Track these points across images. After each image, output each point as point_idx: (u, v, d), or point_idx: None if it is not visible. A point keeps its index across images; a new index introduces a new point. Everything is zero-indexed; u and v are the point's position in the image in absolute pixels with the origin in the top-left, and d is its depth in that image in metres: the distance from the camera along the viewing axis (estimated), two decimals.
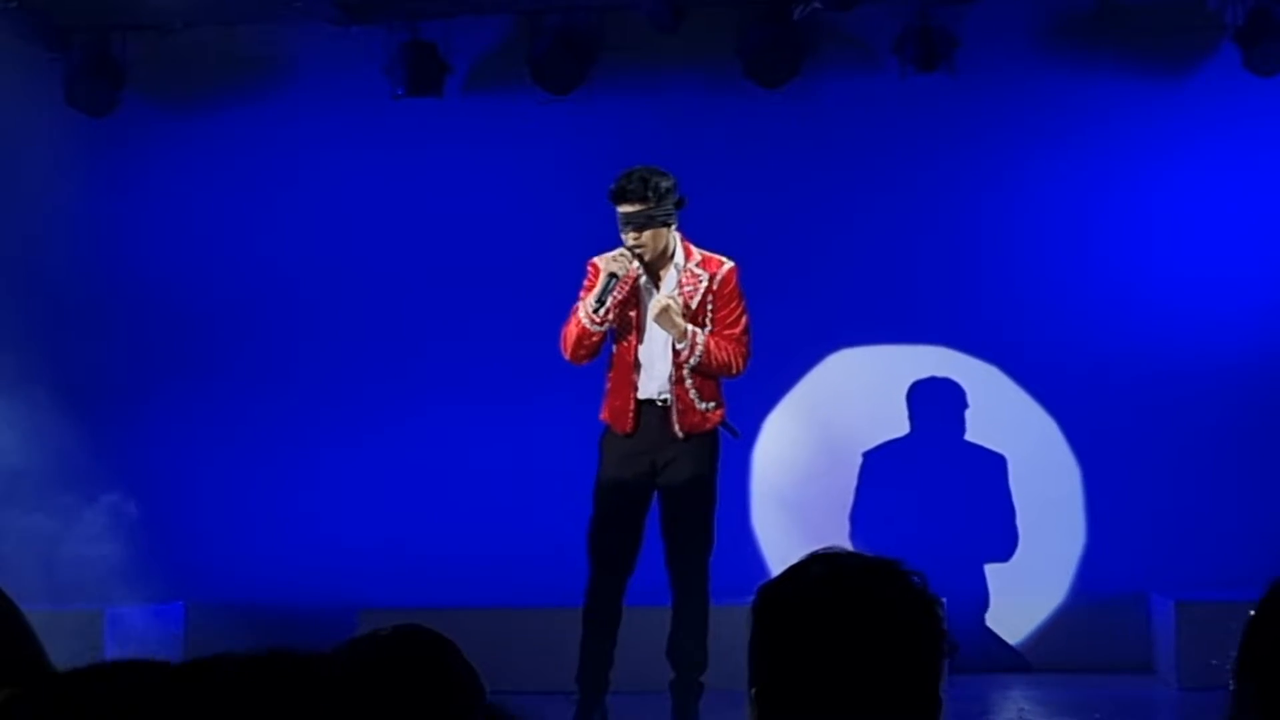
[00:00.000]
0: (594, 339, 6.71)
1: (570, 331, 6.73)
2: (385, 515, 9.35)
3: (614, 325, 6.73)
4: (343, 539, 9.32)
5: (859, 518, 8.98)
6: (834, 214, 9.23)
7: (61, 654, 2.51)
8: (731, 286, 6.78)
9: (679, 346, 6.67)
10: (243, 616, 9.29)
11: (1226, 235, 9.05)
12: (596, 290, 6.62)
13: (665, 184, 6.67)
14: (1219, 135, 9.05)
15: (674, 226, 6.74)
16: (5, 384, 9.60)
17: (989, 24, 9.12)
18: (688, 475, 6.75)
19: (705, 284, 6.74)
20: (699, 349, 6.66)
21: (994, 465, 9.09)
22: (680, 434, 6.73)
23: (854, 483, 9.10)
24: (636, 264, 6.67)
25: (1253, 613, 2.03)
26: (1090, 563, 9.00)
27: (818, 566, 2.17)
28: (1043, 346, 9.09)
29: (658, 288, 6.75)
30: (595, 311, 6.61)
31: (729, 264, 6.81)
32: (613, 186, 6.70)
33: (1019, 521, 9.03)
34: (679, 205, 6.74)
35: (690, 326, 6.66)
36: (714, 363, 6.70)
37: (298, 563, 9.31)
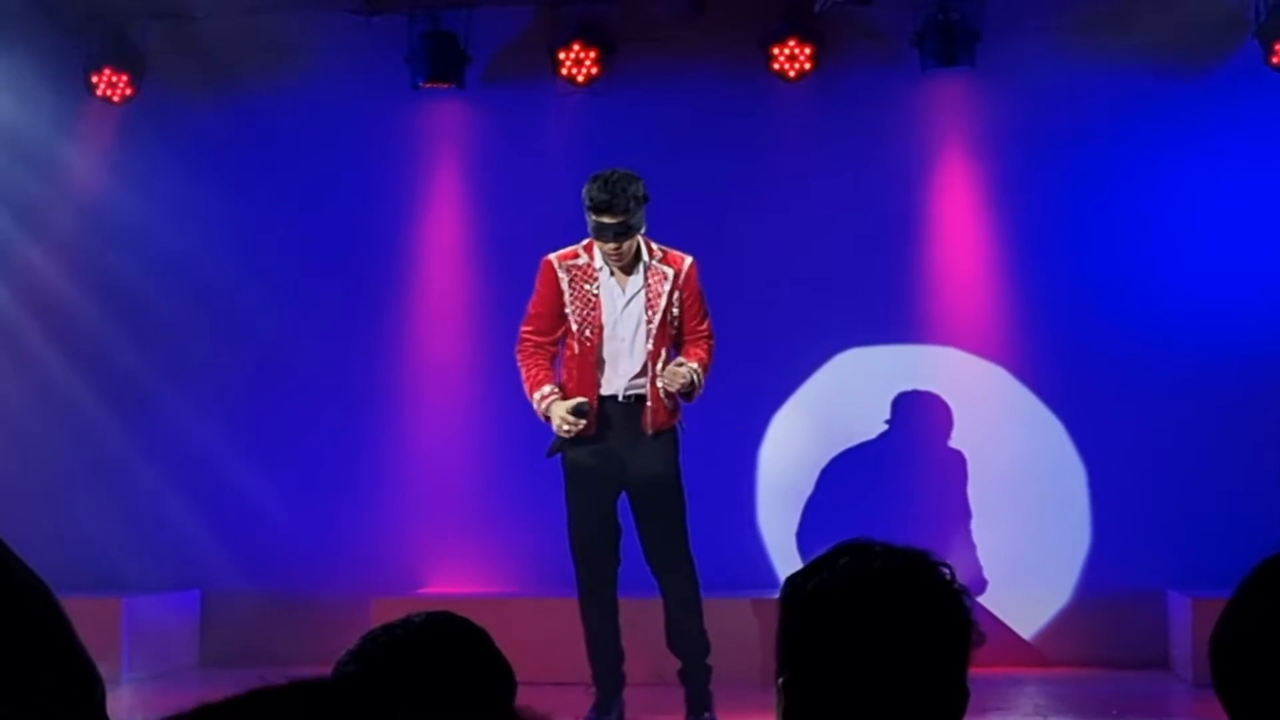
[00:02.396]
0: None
1: (524, 384, 6.87)
2: (400, 504, 9.36)
3: (572, 323, 6.78)
4: (357, 528, 9.33)
5: (866, 515, 8.94)
6: (850, 208, 9.21)
7: None
8: (695, 282, 6.83)
9: (693, 394, 6.75)
10: (258, 605, 9.31)
11: (1244, 232, 9.02)
12: (554, 416, 6.70)
13: (639, 192, 6.66)
14: (1241, 132, 9.01)
15: (641, 233, 6.75)
16: (21, 370, 9.63)
17: (1010, 19, 9.09)
18: (657, 473, 6.77)
19: (670, 280, 6.77)
20: (701, 379, 6.74)
21: (1001, 463, 9.06)
22: (650, 432, 6.77)
23: (861, 481, 9.08)
24: (584, 411, 6.74)
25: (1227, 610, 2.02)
26: (1106, 560, 8.98)
27: (846, 557, 2.17)
28: (1051, 346, 9.07)
29: (623, 288, 6.77)
30: (553, 451, 6.83)
31: (690, 259, 6.84)
32: (595, 197, 6.61)
33: (1028, 518, 9.00)
34: (645, 200, 6.77)
35: (688, 369, 6.69)
36: (705, 374, 6.80)
37: (312, 551, 9.33)
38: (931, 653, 2.08)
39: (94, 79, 9.38)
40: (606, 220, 6.61)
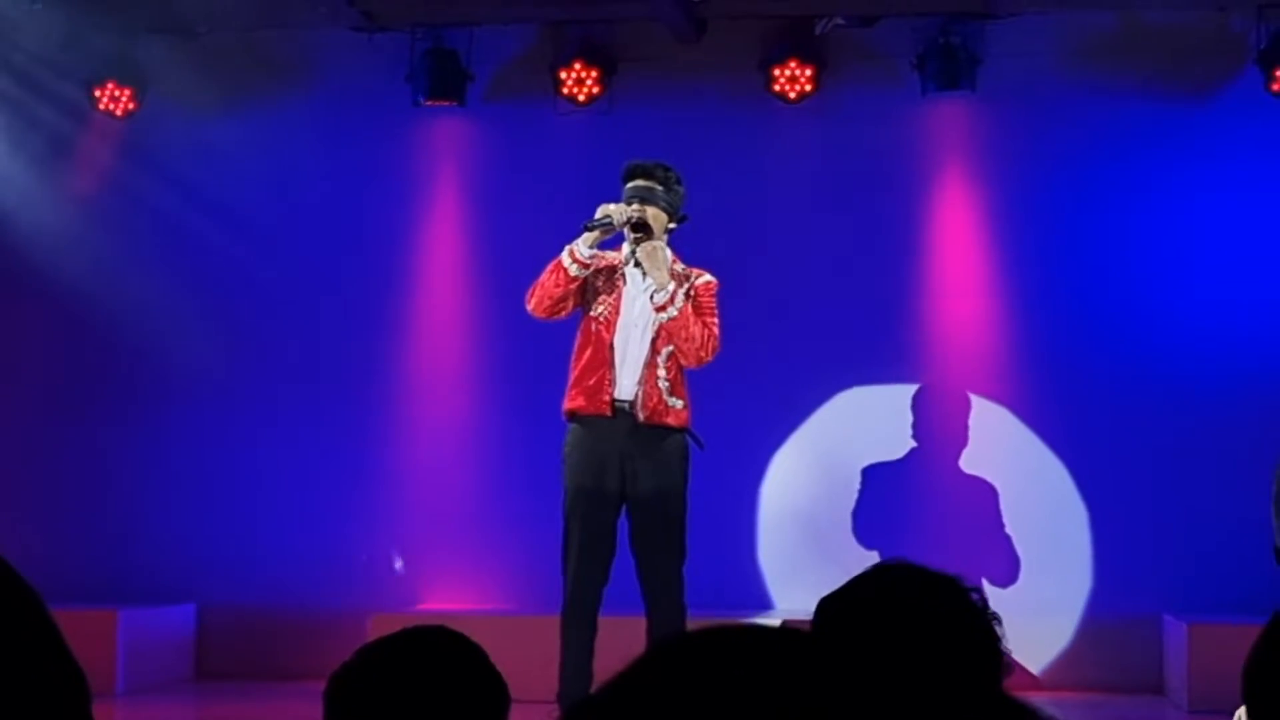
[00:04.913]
0: (564, 287, 6.62)
1: (543, 277, 6.66)
2: (397, 520, 9.36)
3: (590, 305, 6.68)
4: (355, 543, 9.33)
5: (867, 554, 8.93)
6: (850, 232, 9.21)
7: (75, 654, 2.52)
8: (711, 292, 6.73)
9: (658, 295, 6.59)
10: (254, 619, 9.31)
11: (1245, 260, 9.01)
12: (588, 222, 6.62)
13: (678, 181, 6.73)
14: (1242, 158, 9.02)
15: (670, 225, 6.72)
16: (22, 382, 9.64)
17: (1011, 43, 9.11)
18: (657, 487, 6.63)
19: (687, 282, 6.71)
20: (679, 301, 6.60)
21: (999, 500, 9.03)
22: (642, 420, 6.60)
23: (862, 519, 9.05)
24: (632, 215, 6.62)
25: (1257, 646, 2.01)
26: (1103, 587, 8.97)
27: (877, 579, 2.16)
28: (1047, 373, 9.07)
29: (643, 280, 6.68)
30: (583, 230, 6.57)
31: (711, 275, 6.80)
32: (629, 165, 6.74)
33: (1022, 554, 8.96)
34: (682, 219, 6.75)
35: (674, 282, 6.64)
36: (686, 330, 6.58)
37: (309, 566, 9.32)
38: (961, 677, 2.07)
39: (97, 93, 9.41)
40: (637, 182, 6.68)
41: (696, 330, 6.62)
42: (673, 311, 6.61)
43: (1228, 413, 8.85)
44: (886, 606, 2.11)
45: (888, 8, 9.06)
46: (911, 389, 9.18)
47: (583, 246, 6.62)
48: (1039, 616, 8.91)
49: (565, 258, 6.63)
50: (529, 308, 6.74)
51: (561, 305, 6.72)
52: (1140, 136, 9.08)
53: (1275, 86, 8.72)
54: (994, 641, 2.13)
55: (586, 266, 6.64)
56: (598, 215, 6.63)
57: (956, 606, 2.12)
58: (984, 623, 2.13)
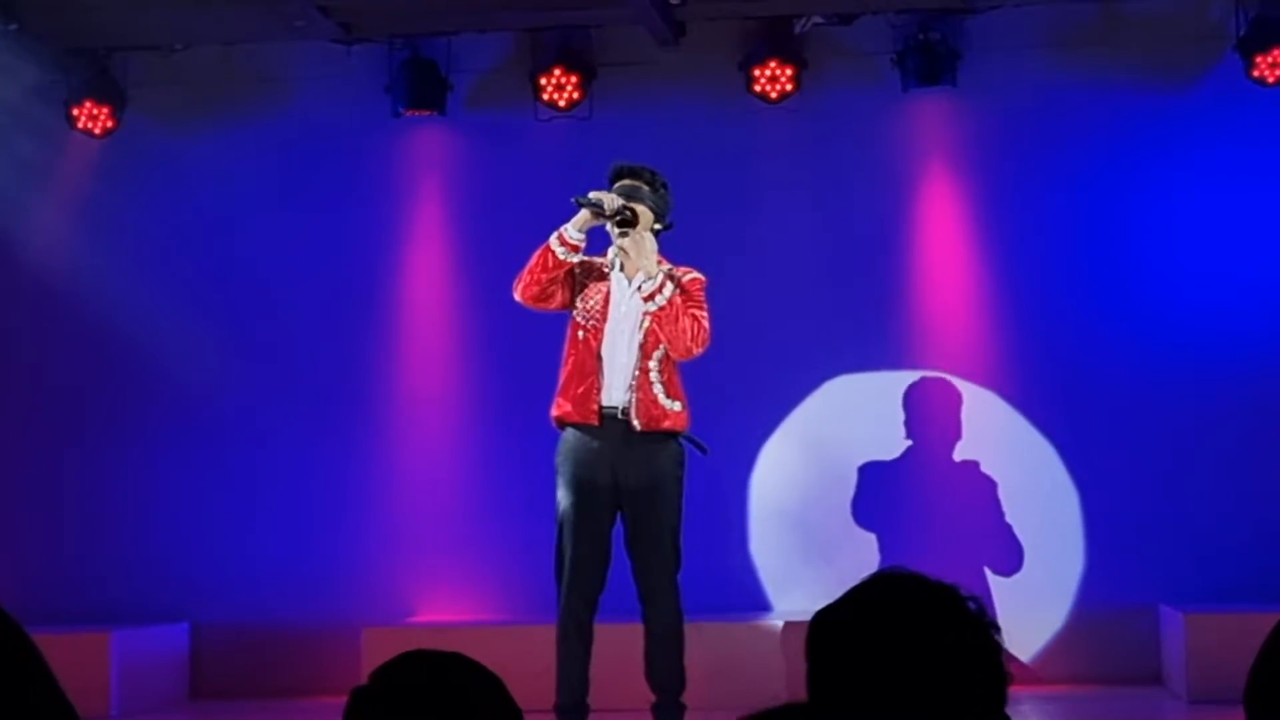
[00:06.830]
0: (550, 272, 6.57)
1: (531, 262, 6.60)
2: (388, 533, 9.33)
3: (576, 309, 6.64)
4: (346, 557, 9.30)
5: (858, 543, 8.91)
6: (835, 230, 9.21)
7: (68, 676, 2.49)
8: (699, 287, 6.67)
9: (646, 285, 6.53)
10: (248, 636, 9.28)
11: (1230, 245, 9.03)
12: (575, 222, 6.56)
13: (664, 185, 6.70)
14: (1223, 145, 9.03)
15: (655, 226, 6.68)
16: (10, 403, 9.60)
17: (991, 37, 9.11)
18: (651, 494, 6.58)
19: (674, 282, 6.61)
20: (667, 291, 6.52)
21: (993, 486, 9.01)
22: (639, 427, 6.55)
23: (853, 508, 9.04)
24: (622, 207, 6.57)
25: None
26: (1098, 576, 8.96)
27: (875, 589, 2.13)
28: (1039, 365, 9.06)
29: (629, 281, 6.64)
30: (575, 205, 6.52)
31: (699, 273, 6.76)
32: (616, 165, 6.72)
33: (1020, 539, 8.95)
34: (668, 225, 6.71)
35: (662, 273, 6.59)
36: (676, 322, 6.52)
37: (301, 581, 9.29)
38: (964, 686, 2.04)
39: (75, 112, 9.37)
40: (625, 181, 6.65)
41: (686, 322, 6.56)
42: (661, 301, 6.54)
43: (1220, 400, 8.86)
44: (886, 621, 2.08)
45: (866, 5, 9.05)
46: (900, 381, 9.16)
47: (571, 229, 6.56)
48: (1033, 607, 8.91)
49: (554, 241, 6.57)
50: (516, 294, 6.67)
51: (549, 291, 6.65)
52: (1122, 125, 9.08)
53: (1255, 73, 8.74)
54: (996, 653, 2.09)
55: (575, 250, 6.58)
56: (590, 196, 6.59)
57: (958, 618, 2.09)
58: (985, 635, 2.10)
